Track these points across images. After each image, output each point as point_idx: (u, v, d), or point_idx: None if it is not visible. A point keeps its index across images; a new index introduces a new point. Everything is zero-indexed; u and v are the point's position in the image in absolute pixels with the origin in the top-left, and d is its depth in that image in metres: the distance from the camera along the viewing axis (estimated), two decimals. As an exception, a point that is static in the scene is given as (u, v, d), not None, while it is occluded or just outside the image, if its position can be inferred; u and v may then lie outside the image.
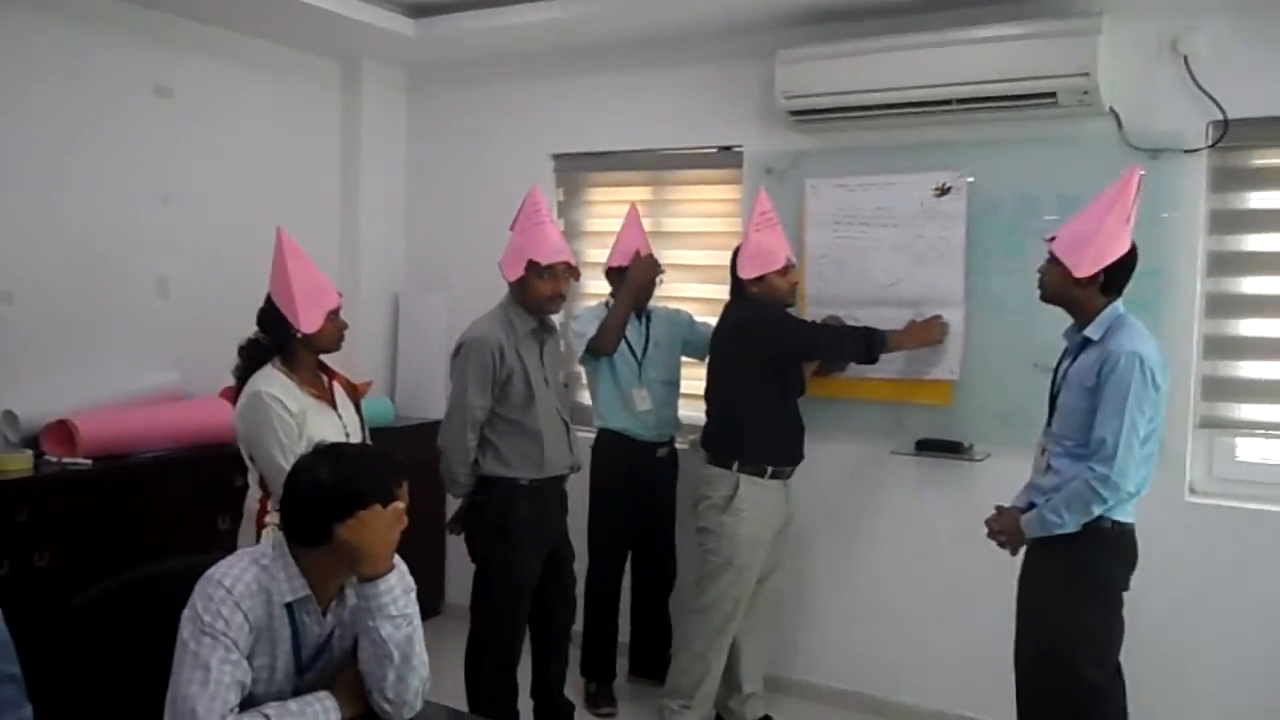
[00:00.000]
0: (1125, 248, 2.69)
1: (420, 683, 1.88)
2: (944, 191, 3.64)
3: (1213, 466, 3.41)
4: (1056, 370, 2.88)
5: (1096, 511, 2.62)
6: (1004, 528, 2.84)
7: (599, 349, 3.75)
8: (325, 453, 1.92)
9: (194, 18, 4.03)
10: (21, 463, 3.31)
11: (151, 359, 3.94)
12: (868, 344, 3.44)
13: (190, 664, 1.69)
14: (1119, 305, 2.73)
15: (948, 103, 3.47)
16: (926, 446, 3.70)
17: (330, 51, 4.62)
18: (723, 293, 3.65)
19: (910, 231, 3.69)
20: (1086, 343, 2.72)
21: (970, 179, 3.60)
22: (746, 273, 3.42)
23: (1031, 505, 2.77)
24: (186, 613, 1.75)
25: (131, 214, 3.91)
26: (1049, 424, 2.83)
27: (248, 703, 1.74)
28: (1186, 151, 3.29)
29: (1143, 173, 2.76)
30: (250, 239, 3.76)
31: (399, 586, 1.87)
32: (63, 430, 3.45)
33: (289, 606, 1.82)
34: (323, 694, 1.82)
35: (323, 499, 1.81)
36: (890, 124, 3.65)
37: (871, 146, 3.77)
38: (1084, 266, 2.67)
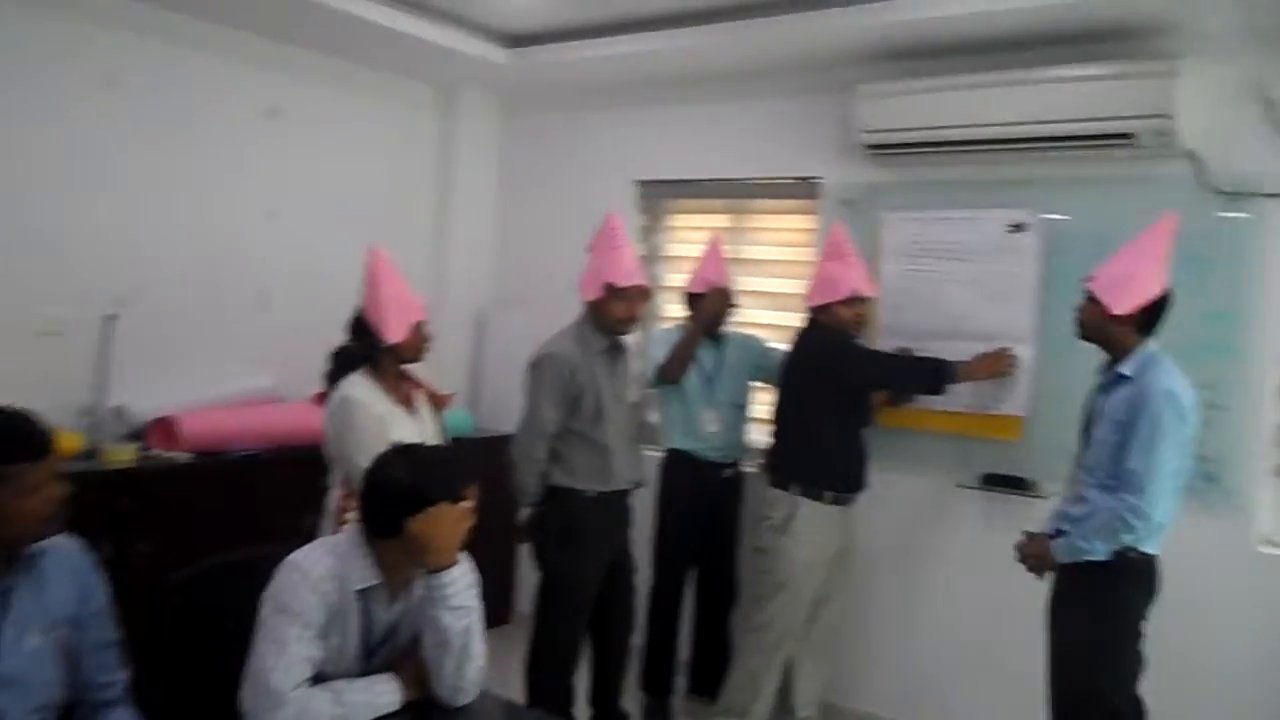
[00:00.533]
0: (1160, 289, 2.79)
1: (477, 672, 2.01)
2: (1018, 228, 3.66)
3: (1287, 516, 3.36)
4: (1089, 404, 2.95)
5: (1126, 540, 2.71)
6: (1034, 552, 2.93)
7: (665, 377, 3.87)
8: (402, 452, 2.08)
9: (304, 45, 4.30)
10: (128, 454, 3.56)
11: (250, 364, 4.19)
12: (936, 375, 3.47)
13: (268, 639, 1.85)
14: (1152, 344, 2.81)
15: (1025, 141, 3.51)
16: (993, 481, 3.71)
17: (429, 79, 4.86)
18: (797, 320, 3.72)
19: (982, 266, 3.72)
20: (1120, 379, 2.80)
21: (1047, 216, 3.61)
22: (811, 300, 3.50)
23: (1059, 532, 2.85)
24: (267, 592, 1.92)
25: (239, 228, 4.19)
26: (1080, 455, 2.91)
27: (317, 679, 1.89)
28: (1268, 195, 3.26)
29: (1175, 216, 2.87)
30: (346, 255, 3.96)
31: (462, 580, 2.00)
32: (167, 426, 3.70)
33: (361, 593, 1.97)
34: (387, 675, 1.96)
35: (396, 494, 1.96)
36: (966, 160, 3.70)
37: (947, 181, 3.82)
38: (1120, 304, 2.78)
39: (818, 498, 3.43)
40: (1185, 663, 3.09)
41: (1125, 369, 2.79)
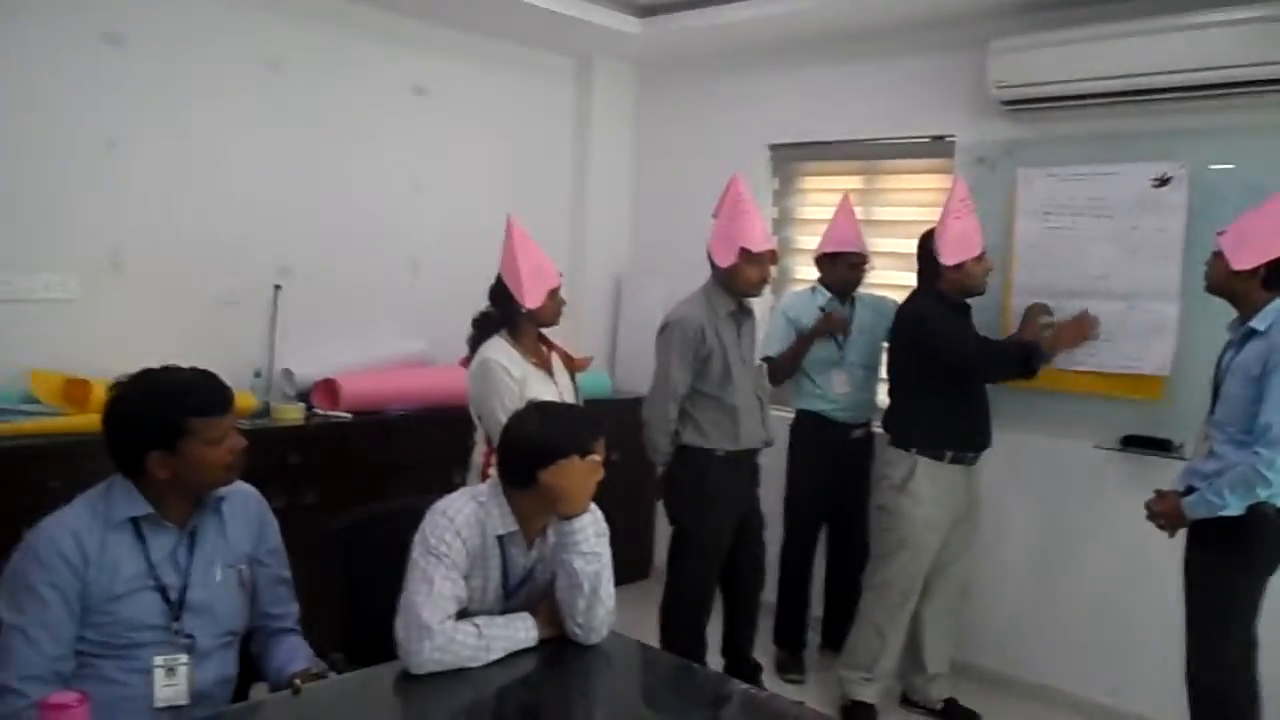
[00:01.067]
0: None
1: (606, 613, 2.15)
2: (1164, 182, 3.54)
3: None
4: (1220, 360, 2.89)
5: (1261, 495, 2.69)
6: (1165, 510, 2.92)
7: (773, 379, 3.97)
8: (535, 409, 2.23)
9: (445, 23, 4.50)
10: (295, 413, 3.86)
11: (402, 329, 4.46)
12: (1024, 362, 3.39)
13: (418, 578, 2.04)
14: None
15: (1171, 90, 3.39)
16: (1134, 443, 3.63)
17: (564, 50, 5.01)
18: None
19: (1125, 223, 3.62)
20: (1251, 334, 2.77)
21: (1197, 167, 3.48)
22: (948, 259, 3.44)
23: (1190, 489, 2.83)
24: (416, 537, 2.10)
25: (389, 202, 4.44)
26: (1211, 411, 2.90)
27: (462, 616, 2.07)
28: None
29: None
30: (490, 223, 4.16)
31: (592, 528, 2.14)
32: (329, 387, 4.00)
33: (500, 539, 2.14)
34: (525, 614, 2.13)
35: (530, 447, 2.11)
36: (1109, 112, 3.61)
37: (1086, 136, 3.72)
38: (1243, 259, 2.77)
39: (938, 457, 3.44)
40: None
41: (1257, 324, 2.77)
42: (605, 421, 2.24)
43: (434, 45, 4.52)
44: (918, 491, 3.44)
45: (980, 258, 3.45)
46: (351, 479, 3.78)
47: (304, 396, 4.02)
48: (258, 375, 3.92)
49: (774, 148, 4.77)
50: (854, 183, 4.52)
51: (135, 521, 1.97)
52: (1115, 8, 3.53)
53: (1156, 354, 3.56)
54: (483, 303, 3.37)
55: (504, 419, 3.03)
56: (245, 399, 3.63)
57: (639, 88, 5.24)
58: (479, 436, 3.32)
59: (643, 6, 4.53)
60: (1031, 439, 3.86)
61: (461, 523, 2.10)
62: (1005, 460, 3.79)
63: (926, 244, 3.52)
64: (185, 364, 2.05)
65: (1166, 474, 3.48)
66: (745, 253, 3.40)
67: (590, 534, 2.13)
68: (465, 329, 3.39)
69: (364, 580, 2.33)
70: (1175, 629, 2.94)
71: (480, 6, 4.21)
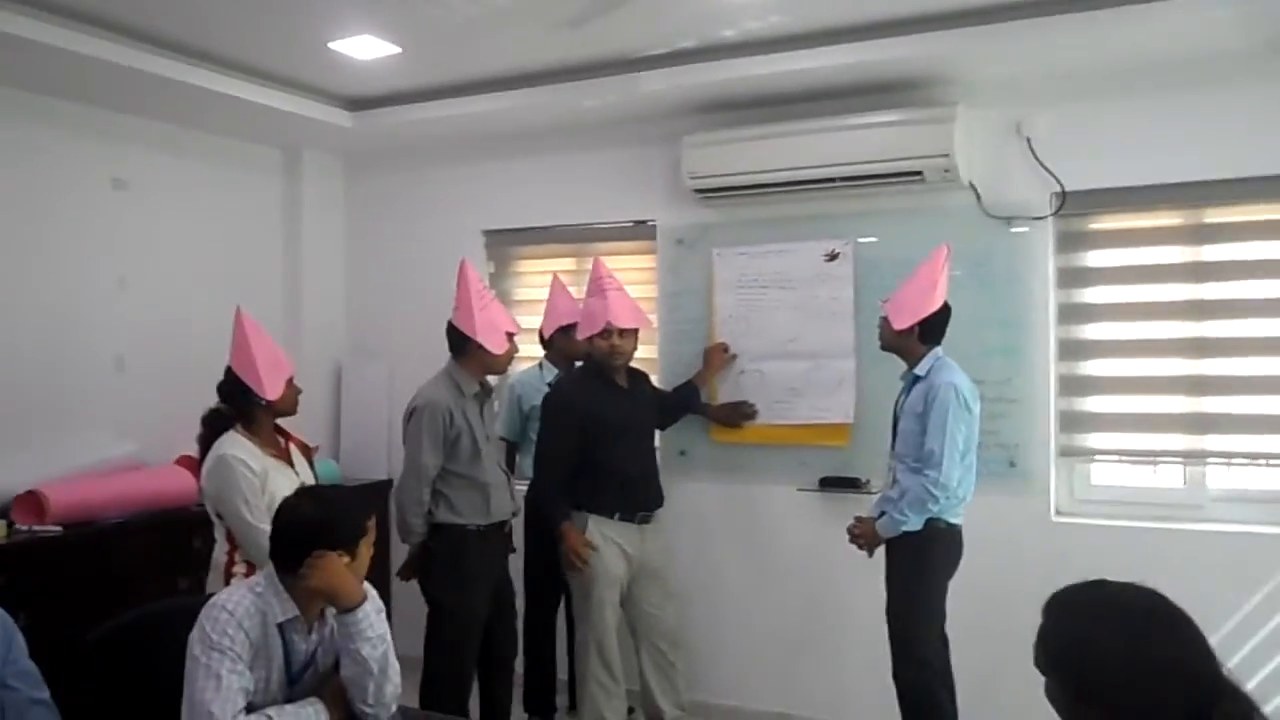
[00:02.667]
0: (936, 305, 3.40)
1: (394, 689, 2.21)
2: (833, 257, 4.13)
3: (1074, 490, 3.91)
4: (897, 404, 3.50)
5: (933, 510, 3.29)
6: (863, 532, 3.48)
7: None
8: (307, 494, 2.30)
9: (148, 115, 4.36)
10: (-5, 531, 3.54)
11: (110, 431, 4.19)
12: (553, 501, 3.77)
13: (204, 675, 2.01)
14: (939, 350, 3.43)
15: (832, 180, 3.96)
16: (830, 483, 4.14)
17: (273, 142, 4.99)
18: (642, 351, 4.05)
19: (806, 293, 4.18)
20: (915, 379, 3.39)
21: (860, 241, 4.10)
22: (583, 333, 3.84)
23: (883, 513, 3.40)
24: (194, 635, 2.07)
25: (91, 297, 4.20)
26: (892, 446, 3.49)
27: (248, 710, 2.05)
28: (1034, 219, 3.83)
29: (948, 246, 3.49)
30: (202, 316, 4.08)
31: (373, 611, 2.20)
32: (33, 500, 3.69)
33: (280, 627, 2.15)
34: (313, 699, 2.15)
35: (304, 533, 2.16)
36: (784, 199, 4.14)
37: (768, 219, 4.25)
38: (901, 321, 3.41)
39: (608, 515, 3.73)
40: (995, 618, 3.52)
41: (919, 370, 3.41)
42: (372, 501, 2.33)
43: (134, 136, 4.36)
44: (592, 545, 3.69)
45: (607, 331, 3.75)
46: (68, 597, 3.51)
47: (4, 513, 3.68)
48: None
49: (488, 233, 4.99)
50: (567, 264, 4.82)
51: None
52: (784, 109, 4.10)
53: (841, 404, 4.11)
54: (200, 398, 3.30)
55: (248, 514, 3.05)
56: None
57: (350, 177, 5.30)
58: (219, 535, 3.22)
59: (351, 100, 4.63)
60: (743, 488, 4.29)
61: (242, 614, 2.09)
62: (719, 508, 4.22)
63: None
64: None
65: (859, 507, 4.01)
66: (509, 335, 3.72)
67: (374, 618, 2.19)
68: (181, 427, 3.32)
69: (130, 692, 2.23)
70: (885, 647, 3.41)
71: (182, 99, 4.11)
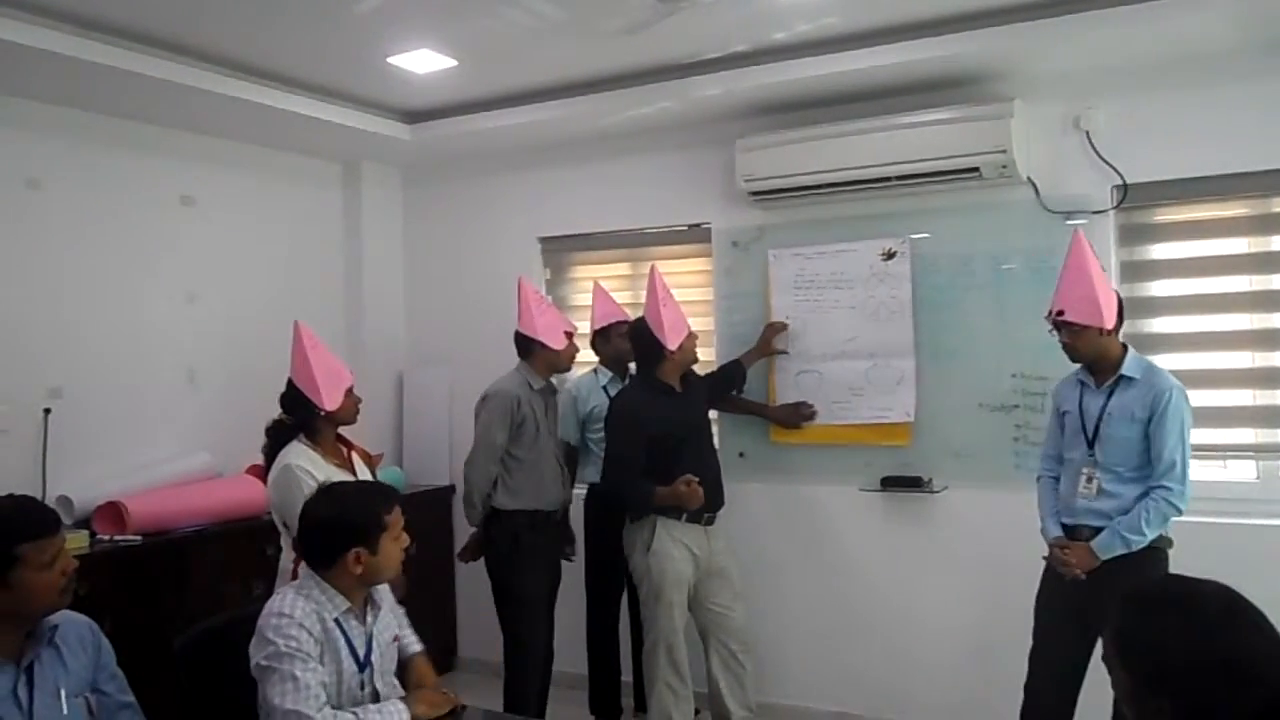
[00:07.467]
0: (1116, 293, 3.17)
1: None
2: (890, 256, 4.11)
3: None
4: (1081, 407, 3.19)
5: (1171, 522, 3.05)
6: (1079, 559, 3.08)
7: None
8: (324, 492, 2.39)
9: (214, 134, 4.49)
10: (78, 542, 3.64)
11: (185, 443, 4.32)
12: (644, 497, 3.69)
13: (278, 680, 2.07)
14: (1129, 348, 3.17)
15: (887, 179, 3.95)
16: (892, 483, 4.12)
17: (333, 156, 5.10)
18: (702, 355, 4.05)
19: (863, 292, 4.16)
20: (1119, 381, 3.11)
21: (915, 238, 4.07)
22: (671, 343, 3.74)
23: (1087, 527, 3.11)
24: (255, 647, 2.13)
25: (163, 313, 4.33)
26: (1090, 454, 3.14)
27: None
28: (1095, 213, 3.77)
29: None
30: (268, 329, 4.17)
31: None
32: (113, 510, 3.81)
33: (337, 620, 2.21)
34: (396, 699, 2.21)
35: (331, 529, 2.25)
36: (839, 199, 4.13)
37: (824, 219, 4.24)
38: (1109, 319, 3.08)
39: (675, 517, 3.72)
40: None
41: (1129, 371, 3.09)
42: (392, 494, 2.42)
43: (200, 155, 4.49)
44: (661, 550, 3.70)
45: (691, 335, 3.82)
46: (147, 604, 3.62)
47: (87, 524, 3.81)
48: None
49: (544, 240, 5.05)
50: (622, 269, 4.87)
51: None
52: (838, 109, 4.10)
53: (901, 403, 4.08)
54: (267, 409, 3.38)
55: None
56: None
57: (408, 188, 5.39)
58: (285, 543, 3.31)
59: (409, 113, 4.71)
60: (803, 489, 4.29)
61: (300, 615, 2.15)
62: (779, 509, 4.23)
63: (643, 333, 3.81)
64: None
65: (921, 507, 4.00)
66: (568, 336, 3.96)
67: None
68: (250, 438, 3.39)
69: (213, 696, 2.31)
70: (949, 647, 3.35)
71: (246, 117, 4.23)
